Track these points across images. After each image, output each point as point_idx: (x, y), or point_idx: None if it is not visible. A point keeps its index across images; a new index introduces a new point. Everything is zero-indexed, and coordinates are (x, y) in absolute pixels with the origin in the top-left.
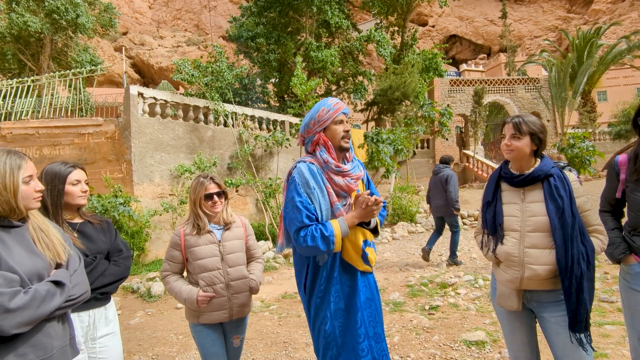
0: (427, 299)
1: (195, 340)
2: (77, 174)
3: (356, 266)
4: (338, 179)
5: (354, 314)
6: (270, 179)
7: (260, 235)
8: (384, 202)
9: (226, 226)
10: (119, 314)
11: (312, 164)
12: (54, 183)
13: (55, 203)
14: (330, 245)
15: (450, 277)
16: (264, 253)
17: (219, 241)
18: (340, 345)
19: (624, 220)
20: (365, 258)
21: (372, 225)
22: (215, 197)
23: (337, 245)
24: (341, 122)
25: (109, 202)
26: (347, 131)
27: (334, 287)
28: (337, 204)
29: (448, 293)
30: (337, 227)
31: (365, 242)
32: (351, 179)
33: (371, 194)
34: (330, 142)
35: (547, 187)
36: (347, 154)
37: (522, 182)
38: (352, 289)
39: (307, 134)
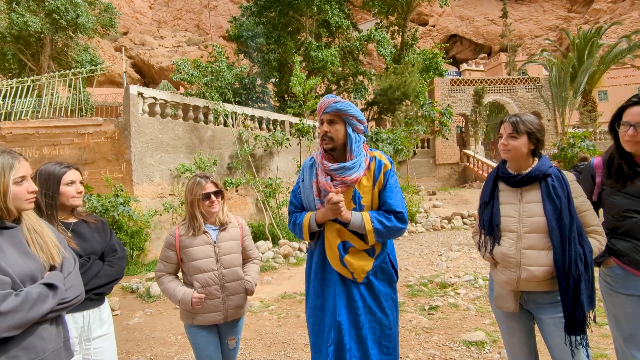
0: (427, 299)
1: (190, 342)
2: (71, 175)
3: (332, 265)
4: (321, 177)
5: (327, 315)
6: (270, 178)
7: (260, 235)
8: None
9: (222, 227)
10: (118, 314)
11: (312, 158)
12: (48, 184)
13: (49, 204)
14: (298, 233)
15: (450, 277)
16: (263, 253)
17: (214, 242)
18: (312, 345)
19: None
20: (342, 260)
21: (352, 226)
22: (212, 196)
23: (305, 235)
24: (322, 122)
25: (109, 202)
26: (324, 133)
27: (317, 282)
28: (317, 199)
29: (448, 293)
30: (306, 219)
31: (345, 243)
32: (331, 179)
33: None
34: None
35: (545, 187)
36: (348, 153)
37: (520, 182)
38: (329, 289)
39: None
